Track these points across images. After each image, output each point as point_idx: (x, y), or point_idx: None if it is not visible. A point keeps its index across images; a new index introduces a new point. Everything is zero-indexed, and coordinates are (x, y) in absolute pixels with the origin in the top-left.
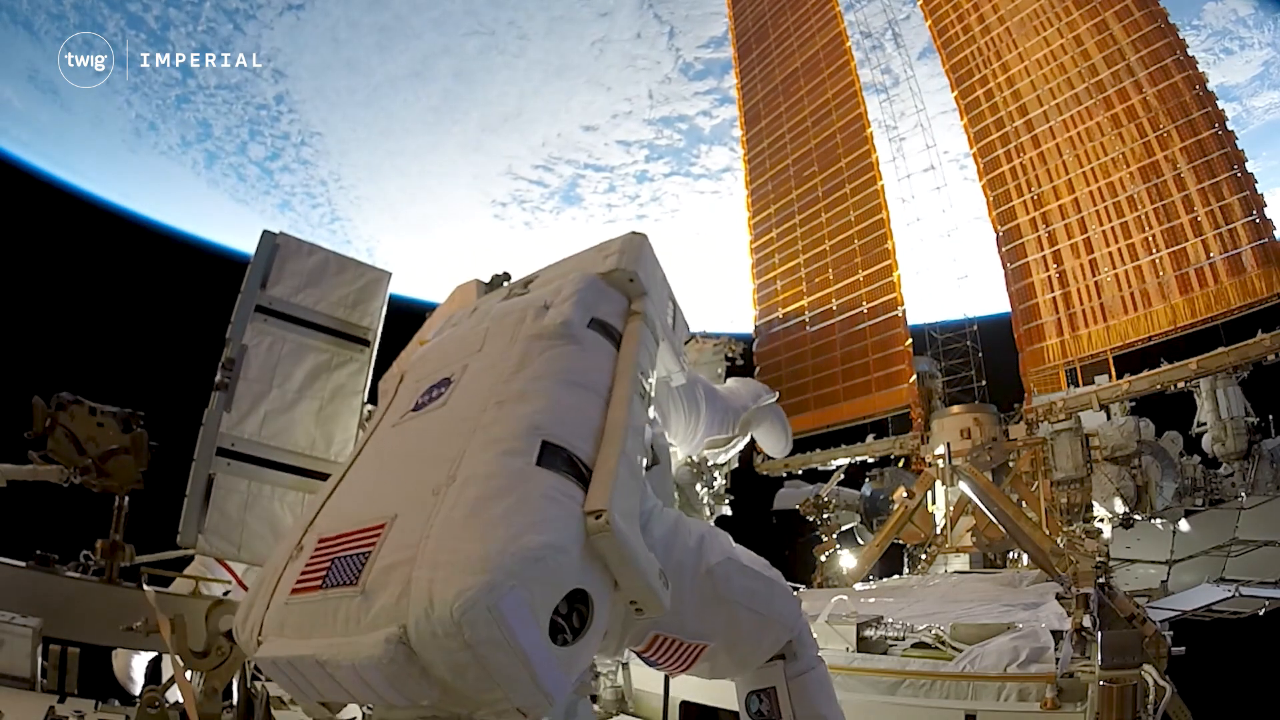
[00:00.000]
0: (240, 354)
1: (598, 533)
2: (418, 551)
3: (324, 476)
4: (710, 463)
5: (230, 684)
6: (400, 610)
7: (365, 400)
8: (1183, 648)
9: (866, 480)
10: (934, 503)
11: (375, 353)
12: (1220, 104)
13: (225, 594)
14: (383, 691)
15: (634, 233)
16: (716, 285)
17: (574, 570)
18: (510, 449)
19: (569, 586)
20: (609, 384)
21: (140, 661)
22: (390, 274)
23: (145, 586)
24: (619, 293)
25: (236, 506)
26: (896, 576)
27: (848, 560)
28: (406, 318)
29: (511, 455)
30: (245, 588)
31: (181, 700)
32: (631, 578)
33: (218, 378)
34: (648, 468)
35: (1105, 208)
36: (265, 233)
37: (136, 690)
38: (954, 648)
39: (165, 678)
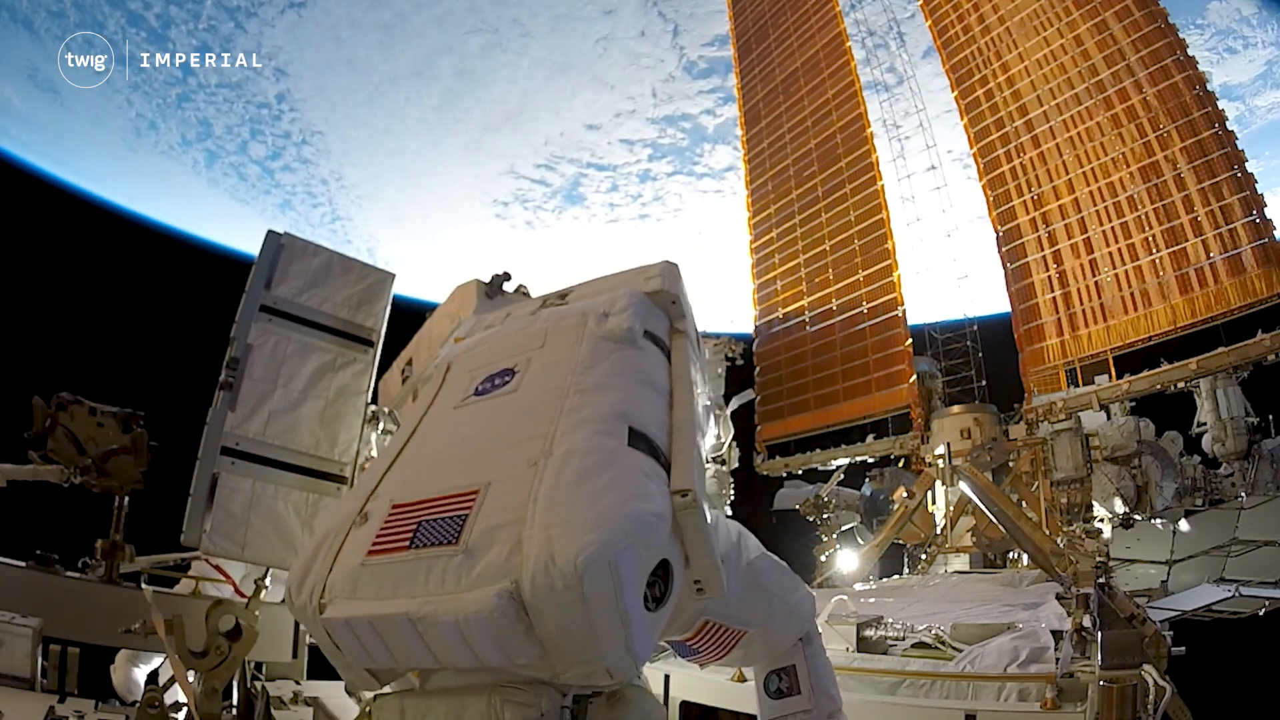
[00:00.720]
0: (245, 353)
1: (685, 510)
2: (526, 514)
3: (329, 476)
4: (721, 466)
5: (230, 684)
6: (512, 566)
7: (370, 401)
8: (1183, 648)
9: (866, 480)
10: (934, 503)
11: (379, 354)
12: (1223, 103)
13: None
14: (482, 648)
15: (669, 261)
16: (717, 285)
17: (666, 542)
18: (603, 429)
19: (661, 556)
20: (669, 389)
21: (140, 674)
22: (394, 275)
23: (144, 586)
24: (662, 312)
25: (241, 506)
26: (896, 576)
27: (848, 560)
28: (407, 317)
29: (605, 435)
30: (241, 593)
31: (182, 701)
32: (703, 555)
33: (222, 377)
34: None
35: (1105, 208)
36: (270, 232)
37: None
38: (954, 648)
39: (163, 681)
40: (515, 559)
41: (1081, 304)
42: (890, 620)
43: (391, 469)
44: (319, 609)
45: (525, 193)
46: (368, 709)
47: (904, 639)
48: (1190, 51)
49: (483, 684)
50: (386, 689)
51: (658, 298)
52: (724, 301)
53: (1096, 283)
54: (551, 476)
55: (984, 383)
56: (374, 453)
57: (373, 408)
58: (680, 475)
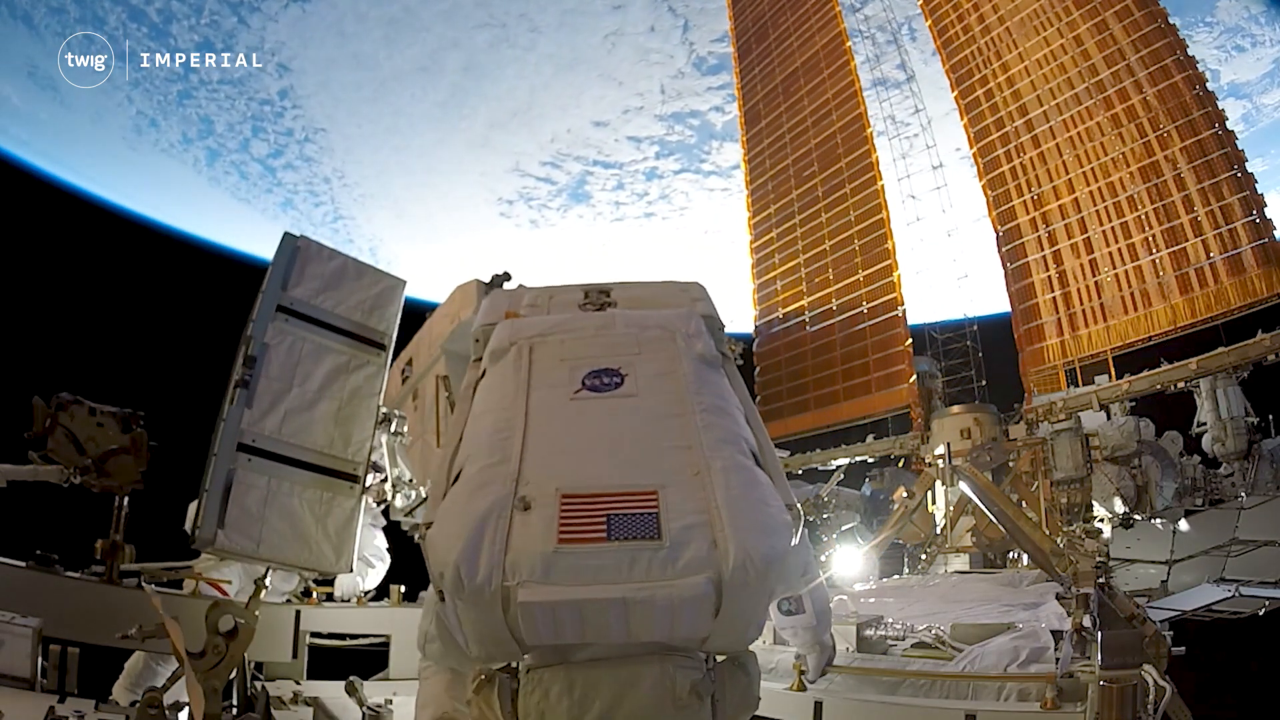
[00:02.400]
0: (262, 352)
1: (793, 521)
2: (711, 518)
3: (343, 475)
4: None
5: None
6: (712, 560)
7: (380, 403)
8: (1183, 648)
9: (866, 480)
10: (934, 503)
11: (390, 357)
12: (1230, 101)
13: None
14: (681, 626)
15: (701, 284)
16: (719, 285)
17: None
18: (739, 450)
19: None
20: (743, 410)
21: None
22: (405, 281)
23: (144, 586)
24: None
25: (256, 502)
26: (896, 576)
27: (848, 560)
28: (408, 316)
29: (742, 455)
30: (224, 594)
31: (182, 701)
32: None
33: (238, 375)
34: None
35: (1105, 208)
36: (287, 235)
37: None
38: (954, 648)
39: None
40: (713, 554)
41: (1081, 304)
42: (890, 620)
43: (528, 454)
44: (504, 590)
45: (530, 191)
46: (481, 674)
47: (904, 639)
48: (1198, 49)
49: (648, 654)
50: (524, 660)
51: (709, 323)
52: (726, 301)
53: (1096, 283)
54: (721, 488)
55: (984, 383)
56: (383, 454)
57: (384, 410)
58: (785, 492)
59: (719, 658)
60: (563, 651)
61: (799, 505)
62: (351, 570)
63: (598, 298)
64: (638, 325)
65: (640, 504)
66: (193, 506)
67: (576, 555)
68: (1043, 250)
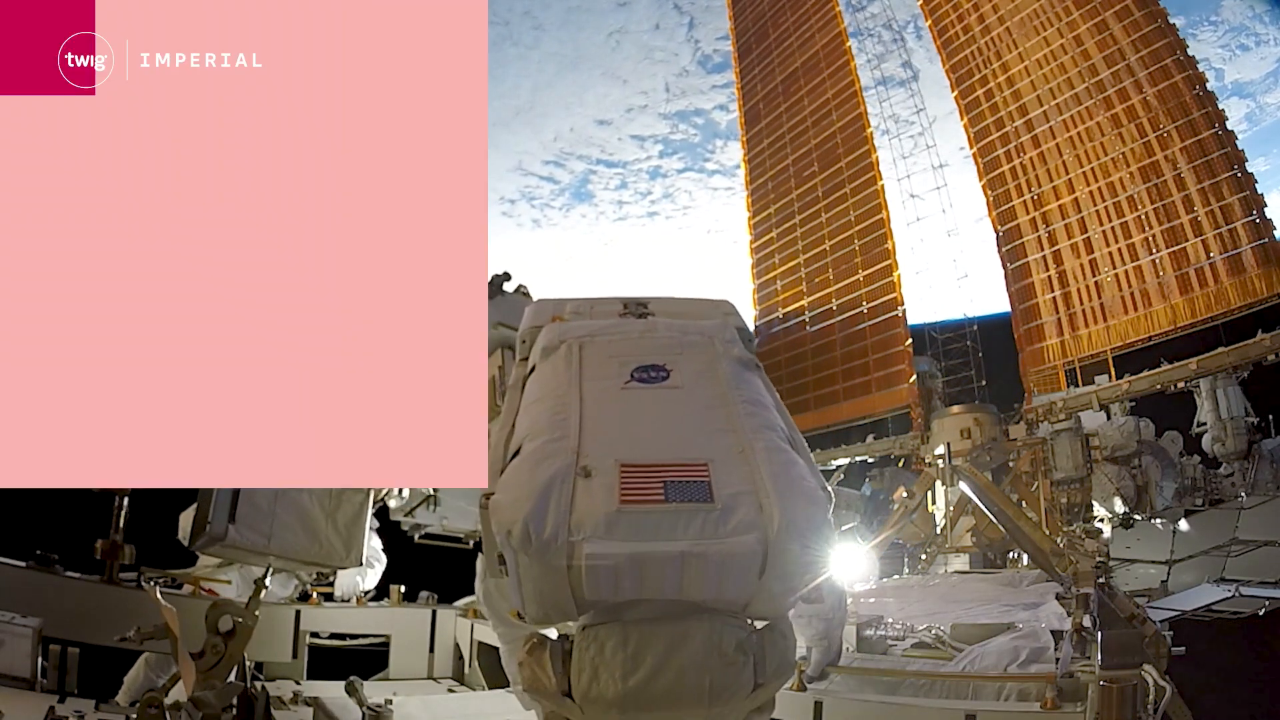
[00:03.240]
0: None
1: (829, 500)
2: (756, 487)
3: None
4: None
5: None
6: (759, 523)
7: None
8: (1183, 648)
9: (866, 480)
10: (934, 503)
11: None
12: (1234, 100)
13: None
14: (729, 584)
15: (731, 301)
16: (722, 284)
17: None
18: (778, 436)
19: None
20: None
21: None
22: None
23: (144, 585)
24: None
25: (266, 498)
26: (896, 576)
27: (847, 560)
28: None
29: (781, 440)
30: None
31: (184, 701)
32: None
33: None
34: None
35: (1105, 208)
36: None
37: None
38: (954, 648)
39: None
40: (760, 517)
41: (1081, 304)
42: (890, 620)
43: (585, 432)
44: (569, 545)
45: (533, 190)
46: (533, 638)
47: (904, 639)
48: (1202, 48)
49: (697, 614)
50: (578, 621)
51: (741, 334)
52: (728, 300)
53: (1096, 283)
54: (765, 464)
55: (984, 383)
56: None
57: None
58: (818, 475)
59: (758, 624)
60: (615, 612)
61: (829, 488)
62: (362, 564)
63: (636, 308)
64: (679, 331)
65: (693, 474)
66: (184, 516)
67: (637, 514)
68: (1043, 250)
